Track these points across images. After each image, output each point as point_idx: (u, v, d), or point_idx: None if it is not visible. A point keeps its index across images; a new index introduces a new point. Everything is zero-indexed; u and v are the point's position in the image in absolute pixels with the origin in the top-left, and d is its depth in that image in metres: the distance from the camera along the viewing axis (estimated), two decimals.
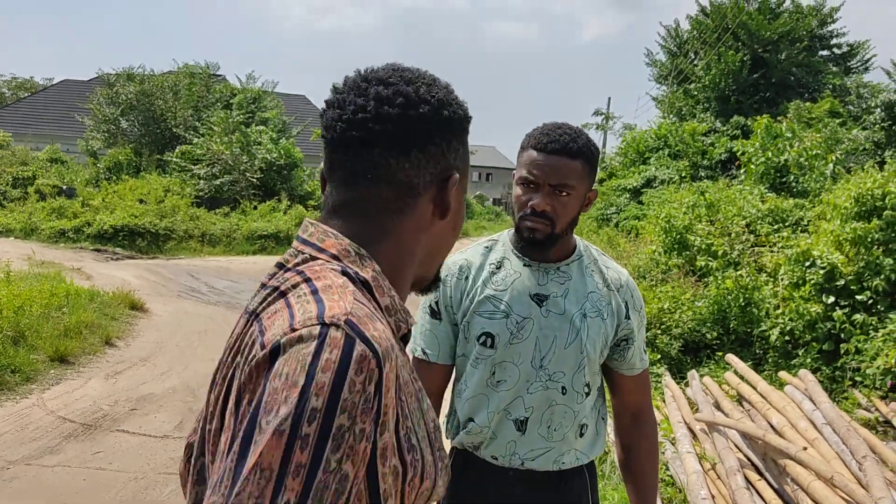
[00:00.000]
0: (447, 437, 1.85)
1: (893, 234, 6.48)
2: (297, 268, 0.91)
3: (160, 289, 11.70)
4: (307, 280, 0.87)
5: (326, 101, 0.98)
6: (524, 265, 1.80)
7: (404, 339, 0.98)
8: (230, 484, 0.72)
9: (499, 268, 1.81)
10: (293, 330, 0.79)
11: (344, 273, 0.89)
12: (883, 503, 2.96)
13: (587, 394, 1.79)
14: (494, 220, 44.14)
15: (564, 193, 1.70)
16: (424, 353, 1.85)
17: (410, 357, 1.91)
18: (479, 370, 1.78)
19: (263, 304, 0.88)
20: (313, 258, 0.92)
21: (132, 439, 4.99)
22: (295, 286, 0.87)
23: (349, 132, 0.93)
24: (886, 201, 6.53)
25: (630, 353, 1.86)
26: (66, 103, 39.36)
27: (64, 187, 22.83)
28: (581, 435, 1.81)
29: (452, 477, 1.82)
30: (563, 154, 1.69)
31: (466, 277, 1.83)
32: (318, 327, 0.78)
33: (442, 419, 1.88)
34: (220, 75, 36.62)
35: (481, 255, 1.86)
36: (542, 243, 1.74)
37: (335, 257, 0.92)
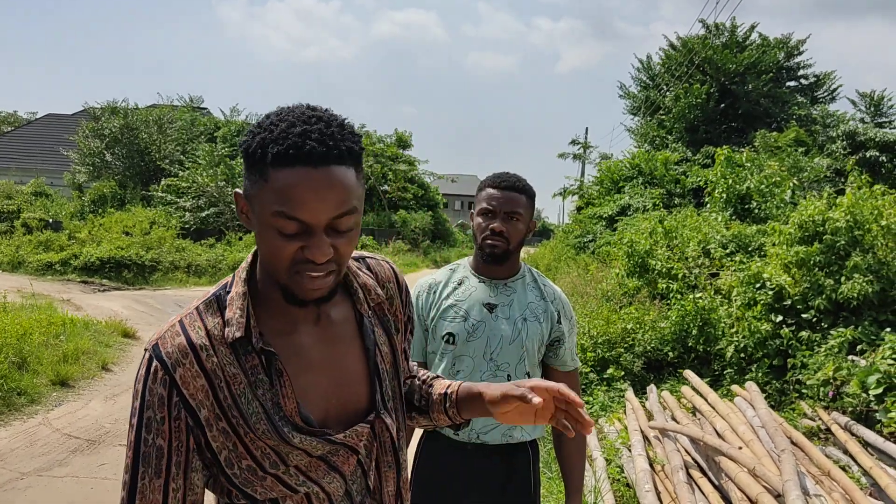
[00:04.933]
0: None
1: (833, 257, 7.04)
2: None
3: (148, 318, 12.06)
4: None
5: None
6: (479, 282, 2.34)
7: (247, 342, 1.24)
8: None
9: (460, 284, 2.35)
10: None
11: (217, 293, 1.28)
12: (789, 485, 3.47)
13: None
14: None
15: (515, 219, 2.26)
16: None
17: None
18: (443, 363, 2.29)
19: None
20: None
21: None
22: None
23: None
24: (826, 227, 7.11)
25: (562, 352, 2.36)
26: (50, 137, 39.60)
27: (50, 220, 23.15)
28: None
29: (423, 453, 2.37)
30: (513, 189, 2.26)
31: (434, 292, 2.36)
32: (144, 352, 1.22)
33: None
34: (204, 108, 37.20)
35: (446, 274, 2.41)
36: (500, 257, 2.27)
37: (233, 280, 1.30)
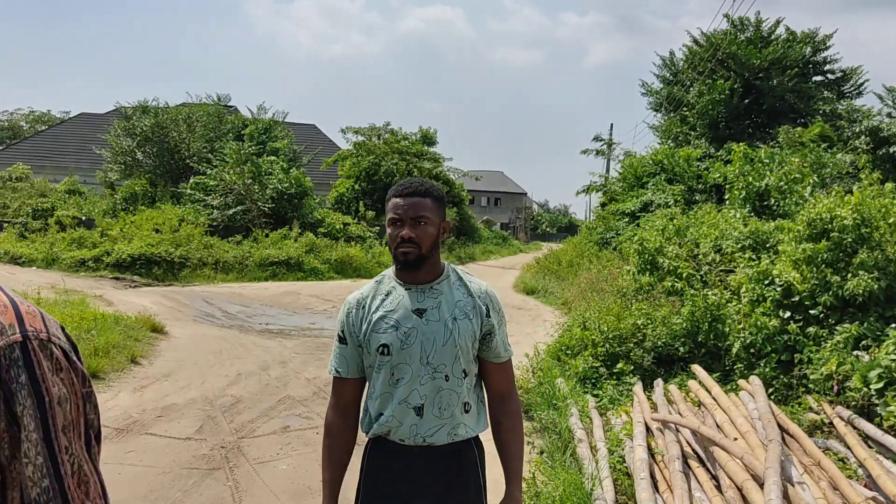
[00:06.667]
0: (363, 431, 2.41)
1: (840, 254, 7.15)
2: None
3: (177, 314, 12.43)
4: None
5: None
6: (405, 289, 2.34)
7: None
8: None
9: (387, 295, 2.35)
10: None
11: None
12: (769, 471, 3.65)
13: (465, 377, 2.31)
14: (502, 245, 44.57)
15: (423, 223, 2.27)
16: (337, 371, 2.41)
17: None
18: (381, 374, 2.30)
19: None
20: None
21: (159, 441, 5.71)
22: None
23: None
24: (834, 224, 7.22)
25: (494, 344, 2.38)
26: (83, 136, 40.43)
27: (83, 218, 23.72)
28: (466, 411, 2.32)
29: (371, 459, 2.37)
30: (416, 195, 2.29)
31: (363, 307, 2.36)
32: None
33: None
34: (231, 106, 37.76)
35: (373, 288, 2.41)
36: (415, 263, 2.27)
37: None
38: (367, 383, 2.42)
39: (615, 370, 7.54)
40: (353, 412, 2.44)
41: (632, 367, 7.50)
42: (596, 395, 7.09)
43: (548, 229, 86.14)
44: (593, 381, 7.45)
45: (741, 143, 13.06)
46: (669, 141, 23.82)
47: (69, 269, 18.69)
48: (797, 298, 7.29)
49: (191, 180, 26.09)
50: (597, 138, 29.43)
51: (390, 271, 2.43)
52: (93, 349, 7.94)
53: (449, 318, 2.29)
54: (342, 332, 2.40)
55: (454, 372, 2.29)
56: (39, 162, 37.48)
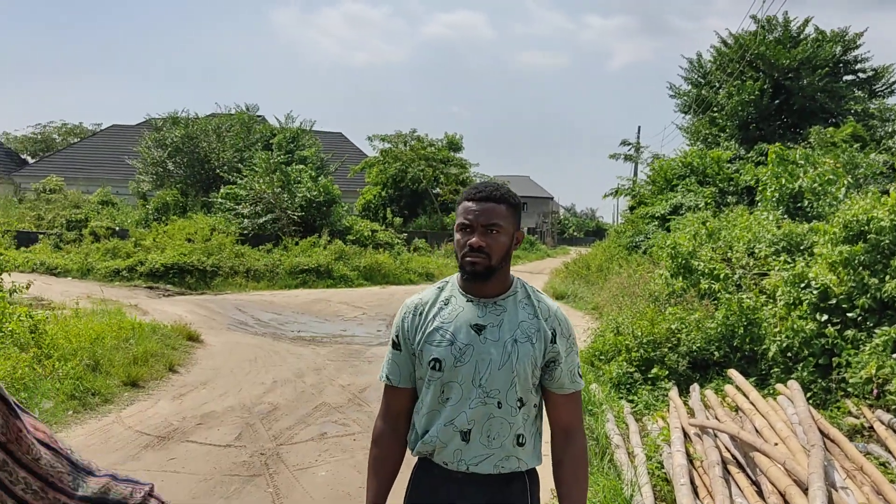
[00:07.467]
0: (409, 448, 2.24)
1: (878, 256, 7.07)
2: None
3: (211, 322, 12.57)
4: None
5: None
6: (467, 301, 2.15)
7: None
8: None
9: (447, 304, 2.17)
10: None
11: None
12: (813, 477, 3.63)
13: (520, 407, 2.11)
14: (529, 249, 44.48)
15: (495, 231, 2.08)
16: (388, 378, 2.24)
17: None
18: (431, 390, 2.13)
19: None
20: None
21: (200, 448, 5.80)
22: None
23: None
24: (871, 226, 7.14)
25: (558, 374, 2.16)
26: (114, 147, 41.05)
27: (116, 228, 24.07)
28: (520, 444, 2.12)
29: (415, 479, 2.22)
30: (490, 200, 2.09)
31: (420, 314, 2.19)
32: None
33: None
34: (260, 116, 38.14)
35: (434, 294, 2.23)
36: (483, 275, 2.09)
37: None
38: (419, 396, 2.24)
39: (650, 375, 7.51)
40: (403, 423, 2.26)
41: (666, 372, 7.47)
42: (631, 401, 7.08)
43: (575, 233, 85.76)
44: (628, 386, 7.44)
45: (776, 144, 12.92)
46: (699, 143, 23.65)
47: (104, 279, 18.96)
48: (834, 301, 7.22)
49: (221, 190, 26.36)
50: (624, 142, 29.38)
51: (454, 278, 2.24)
52: (132, 358, 8.08)
53: (509, 339, 2.10)
54: (397, 337, 2.23)
55: (508, 399, 2.09)
56: (72, 174, 38.10)
